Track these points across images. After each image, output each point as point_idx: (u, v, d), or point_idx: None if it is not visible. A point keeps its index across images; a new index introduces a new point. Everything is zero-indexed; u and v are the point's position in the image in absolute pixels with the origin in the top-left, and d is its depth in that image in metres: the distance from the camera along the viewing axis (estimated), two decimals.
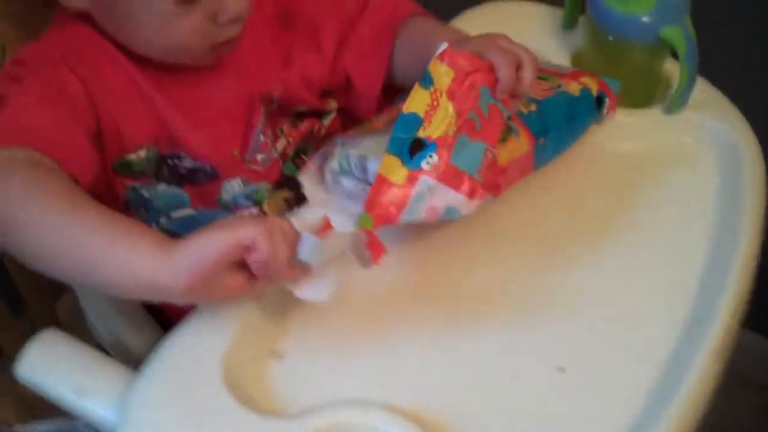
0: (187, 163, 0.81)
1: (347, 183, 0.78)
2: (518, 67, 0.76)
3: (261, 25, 0.85)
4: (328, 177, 0.79)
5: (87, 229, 0.65)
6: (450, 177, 0.71)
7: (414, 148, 0.71)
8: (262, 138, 0.85)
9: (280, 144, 0.87)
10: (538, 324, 0.75)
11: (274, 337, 0.72)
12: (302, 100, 0.88)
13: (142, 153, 0.79)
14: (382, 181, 0.71)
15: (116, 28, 0.76)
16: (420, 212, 0.71)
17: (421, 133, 0.72)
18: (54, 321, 1.00)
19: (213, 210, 0.84)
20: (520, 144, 0.77)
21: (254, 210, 0.85)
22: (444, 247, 0.79)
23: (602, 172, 0.88)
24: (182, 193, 0.82)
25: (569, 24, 0.98)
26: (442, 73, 0.73)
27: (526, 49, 0.77)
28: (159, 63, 0.78)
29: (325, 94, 0.90)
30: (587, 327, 0.75)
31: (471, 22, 0.98)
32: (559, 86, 0.84)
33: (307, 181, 0.81)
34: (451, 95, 0.72)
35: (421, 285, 0.76)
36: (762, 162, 0.87)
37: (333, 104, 0.91)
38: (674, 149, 0.90)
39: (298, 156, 0.89)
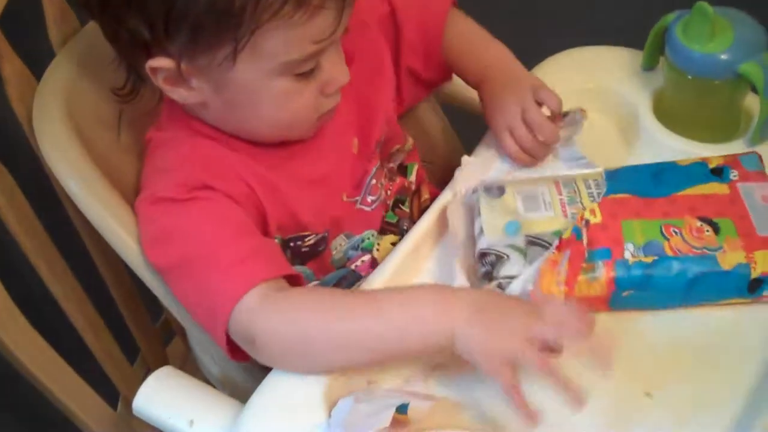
0: (310, 240, 0.86)
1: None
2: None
3: None
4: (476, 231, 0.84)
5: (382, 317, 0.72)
6: None
7: None
8: (374, 182, 0.91)
9: (382, 195, 0.93)
10: None
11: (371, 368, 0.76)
12: (396, 135, 0.95)
13: (277, 240, 0.84)
14: None
15: (234, 114, 0.80)
16: None
17: None
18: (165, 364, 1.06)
19: (333, 274, 0.90)
20: (593, 287, 0.79)
21: (366, 257, 0.91)
22: None
23: None
24: (306, 269, 0.87)
25: (649, 65, 0.99)
26: None
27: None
28: (264, 146, 0.83)
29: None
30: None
31: (554, 68, 1.02)
32: (719, 249, 0.79)
33: (452, 216, 0.86)
34: None
35: None
36: None
37: (410, 142, 0.98)
38: None
39: (396, 206, 0.95)
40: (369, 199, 0.91)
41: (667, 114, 0.95)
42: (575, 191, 0.85)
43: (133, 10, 0.73)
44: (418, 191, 0.99)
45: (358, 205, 0.90)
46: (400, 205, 0.96)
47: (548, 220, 0.82)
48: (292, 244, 0.85)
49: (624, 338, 0.78)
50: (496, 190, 0.85)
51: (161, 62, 0.76)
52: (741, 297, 0.79)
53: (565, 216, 0.82)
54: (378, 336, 0.72)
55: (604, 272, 0.78)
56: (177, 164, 0.80)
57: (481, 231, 0.82)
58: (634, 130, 0.96)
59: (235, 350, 0.76)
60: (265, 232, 0.82)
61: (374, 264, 0.90)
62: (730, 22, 0.89)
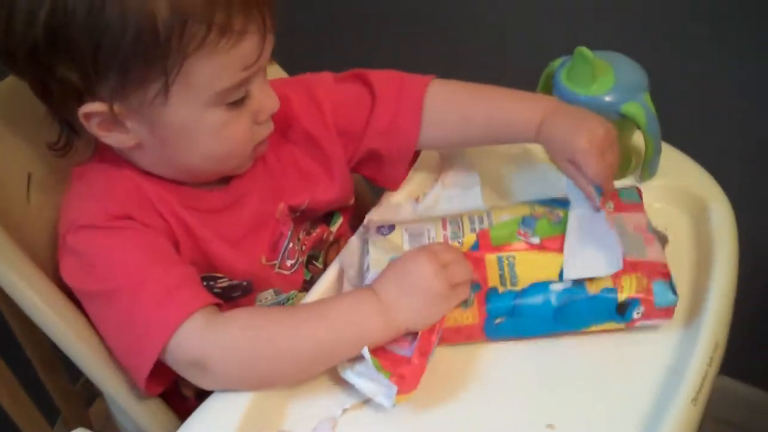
0: (222, 283, 0.87)
1: None
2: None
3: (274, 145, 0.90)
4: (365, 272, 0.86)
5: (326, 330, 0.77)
6: None
7: None
8: (291, 245, 0.92)
9: (300, 256, 0.94)
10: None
11: (280, 418, 0.78)
12: (325, 208, 0.96)
13: None
14: None
15: (171, 151, 0.80)
16: None
17: None
18: (87, 427, 1.05)
19: None
20: (466, 316, 0.81)
21: None
22: None
23: None
24: None
25: None
26: None
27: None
28: (190, 188, 0.85)
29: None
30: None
31: None
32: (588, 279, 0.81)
33: (347, 255, 0.89)
34: None
35: None
36: (732, 218, 0.92)
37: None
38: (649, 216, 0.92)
39: (310, 262, 0.96)
40: (288, 263, 0.92)
41: None
42: (459, 227, 0.88)
43: (62, 55, 0.74)
44: (336, 243, 1.00)
45: (277, 269, 0.91)
46: (314, 261, 0.97)
47: None
48: (204, 283, 0.85)
49: (519, 372, 0.81)
50: (387, 229, 0.89)
51: (94, 107, 0.76)
52: (613, 321, 0.81)
53: None
54: (329, 347, 0.77)
55: (475, 301, 0.81)
56: (97, 193, 0.81)
57: (368, 268, 0.84)
58: (529, 171, 1.00)
59: (151, 382, 0.77)
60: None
61: None
62: (610, 64, 0.93)
